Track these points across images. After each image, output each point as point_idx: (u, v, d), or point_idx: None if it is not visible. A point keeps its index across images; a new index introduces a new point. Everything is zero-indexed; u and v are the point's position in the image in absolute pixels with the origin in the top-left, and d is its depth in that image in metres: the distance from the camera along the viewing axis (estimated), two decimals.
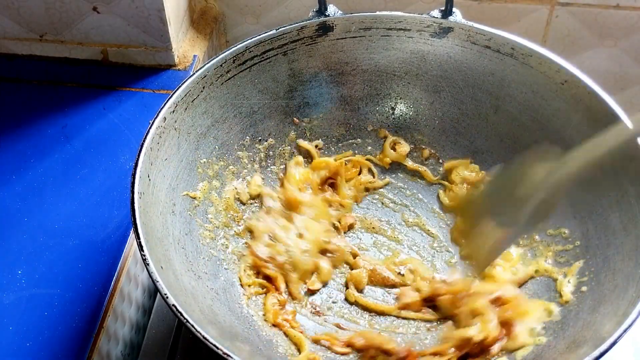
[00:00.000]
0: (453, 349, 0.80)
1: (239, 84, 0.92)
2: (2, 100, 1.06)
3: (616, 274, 0.77)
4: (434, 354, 0.80)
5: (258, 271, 0.87)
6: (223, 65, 0.89)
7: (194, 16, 1.18)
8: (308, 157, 0.98)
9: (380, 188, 0.98)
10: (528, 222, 0.78)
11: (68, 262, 0.86)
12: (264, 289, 0.86)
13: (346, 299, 0.88)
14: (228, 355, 0.66)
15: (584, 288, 0.81)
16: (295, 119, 0.98)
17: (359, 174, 0.98)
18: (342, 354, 0.82)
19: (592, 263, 0.82)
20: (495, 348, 0.79)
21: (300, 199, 0.92)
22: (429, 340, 0.84)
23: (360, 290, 0.88)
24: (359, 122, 1.00)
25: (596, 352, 0.67)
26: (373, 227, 0.94)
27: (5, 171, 0.96)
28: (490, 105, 0.94)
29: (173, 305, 0.69)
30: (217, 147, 0.91)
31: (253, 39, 0.91)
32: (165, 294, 0.69)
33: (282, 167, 0.97)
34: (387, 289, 0.89)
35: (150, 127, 0.81)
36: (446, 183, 0.96)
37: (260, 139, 0.96)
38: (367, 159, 0.98)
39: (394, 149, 0.98)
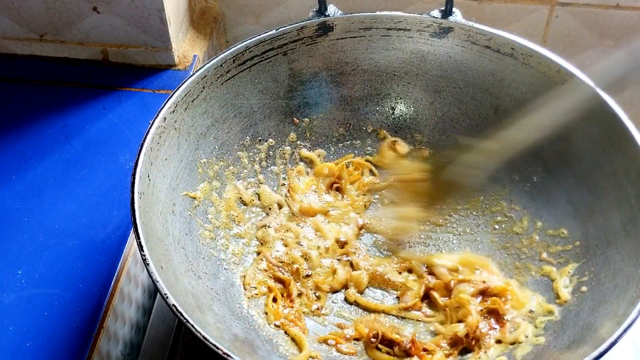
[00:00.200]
0: (446, 344, 0.80)
1: (239, 84, 0.92)
2: (2, 100, 1.06)
3: (616, 274, 0.77)
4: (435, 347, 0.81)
5: (271, 275, 0.88)
6: (223, 65, 0.89)
7: (194, 16, 1.18)
8: (310, 162, 0.98)
9: (383, 190, 0.97)
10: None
11: (68, 262, 0.86)
12: (269, 291, 0.86)
13: (346, 299, 0.88)
14: (228, 355, 0.66)
15: (584, 288, 0.81)
16: (295, 119, 0.98)
17: (362, 175, 0.98)
18: (348, 354, 0.82)
19: (592, 263, 0.82)
20: (489, 339, 0.80)
21: (314, 208, 0.93)
22: (429, 340, 0.84)
23: (360, 292, 0.88)
24: (359, 122, 1.00)
25: (596, 352, 0.67)
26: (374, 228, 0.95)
27: (5, 171, 0.96)
28: (490, 105, 0.94)
29: (173, 305, 0.69)
30: (217, 147, 0.91)
31: (253, 39, 0.91)
32: (165, 294, 0.69)
33: (282, 167, 0.97)
34: (387, 290, 0.89)
35: (150, 127, 0.81)
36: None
37: (260, 139, 0.96)
38: (366, 160, 0.98)
39: (393, 149, 0.98)
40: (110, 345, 0.84)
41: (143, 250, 0.72)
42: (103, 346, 0.81)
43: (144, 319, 0.94)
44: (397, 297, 0.88)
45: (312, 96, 0.97)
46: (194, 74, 0.87)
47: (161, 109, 0.83)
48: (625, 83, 0.75)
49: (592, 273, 0.81)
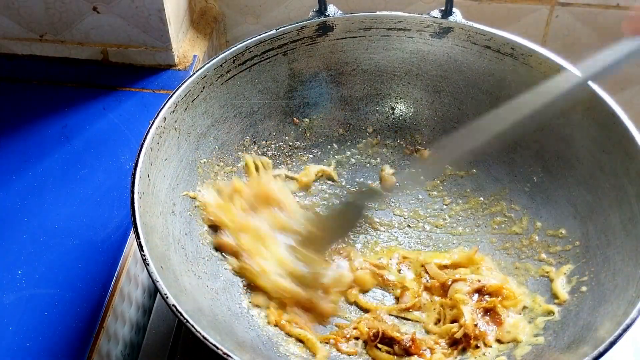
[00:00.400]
0: (445, 344, 0.81)
1: (239, 84, 0.92)
2: (2, 100, 1.06)
3: (616, 274, 0.77)
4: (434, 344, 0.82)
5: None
6: (223, 65, 0.89)
7: (194, 16, 1.18)
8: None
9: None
10: None
11: (68, 262, 0.86)
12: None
13: (346, 299, 0.88)
14: (228, 355, 0.66)
15: (584, 288, 0.81)
16: (295, 119, 0.98)
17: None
18: (349, 353, 0.82)
19: (592, 263, 0.82)
20: (488, 339, 0.80)
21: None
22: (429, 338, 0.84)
23: (364, 292, 0.88)
24: (359, 122, 1.00)
25: (596, 352, 0.67)
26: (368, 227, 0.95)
27: (5, 171, 0.96)
28: (490, 105, 0.94)
29: (173, 305, 0.69)
30: (217, 147, 0.91)
31: (253, 39, 0.91)
32: (165, 294, 0.69)
33: (281, 167, 0.97)
34: (386, 290, 0.89)
35: (150, 127, 0.81)
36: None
37: (260, 139, 0.96)
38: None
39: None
40: (110, 345, 0.84)
41: (143, 250, 0.72)
42: (103, 346, 0.81)
43: (144, 319, 0.94)
44: (396, 298, 0.88)
45: (312, 96, 0.97)
46: (194, 74, 0.87)
47: (161, 109, 0.83)
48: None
49: (592, 273, 0.81)
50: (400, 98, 0.99)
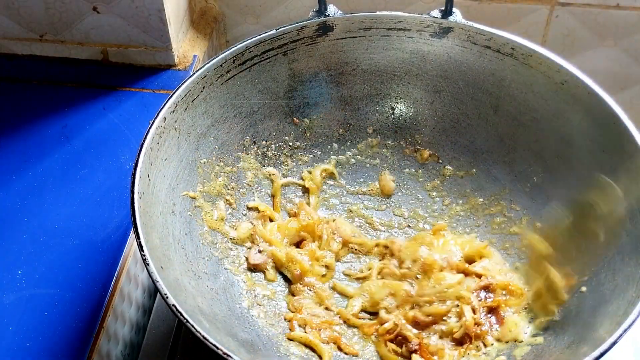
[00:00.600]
0: (451, 346, 0.81)
1: (239, 84, 0.92)
2: (2, 100, 1.06)
3: (616, 274, 0.77)
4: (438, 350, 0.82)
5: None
6: (223, 65, 0.89)
7: (194, 16, 1.18)
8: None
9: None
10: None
11: (68, 262, 0.86)
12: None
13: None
14: (228, 355, 0.66)
15: (584, 288, 0.80)
16: (295, 119, 0.98)
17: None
18: (350, 353, 0.82)
19: (592, 263, 0.82)
20: (488, 339, 0.80)
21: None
22: (433, 340, 0.84)
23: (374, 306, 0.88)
24: (359, 122, 1.00)
25: (596, 352, 0.67)
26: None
27: (5, 171, 0.96)
28: (490, 105, 0.94)
29: (173, 305, 0.69)
30: (217, 147, 0.91)
31: (253, 39, 0.91)
32: (165, 294, 0.69)
33: (281, 166, 0.97)
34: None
35: (150, 127, 0.81)
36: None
37: (260, 139, 0.96)
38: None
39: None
40: (110, 345, 0.84)
41: (143, 250, 0.72)
42: (103, 346, 0.81)
43: (144, 319, 0.94)
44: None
45: (312, 96, 0.97)
46: (194, 74, 0.87)
47: (161, 109, 0.83)
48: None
49: (592, 273, 0.81)
50: (400, 98, 0.99)
